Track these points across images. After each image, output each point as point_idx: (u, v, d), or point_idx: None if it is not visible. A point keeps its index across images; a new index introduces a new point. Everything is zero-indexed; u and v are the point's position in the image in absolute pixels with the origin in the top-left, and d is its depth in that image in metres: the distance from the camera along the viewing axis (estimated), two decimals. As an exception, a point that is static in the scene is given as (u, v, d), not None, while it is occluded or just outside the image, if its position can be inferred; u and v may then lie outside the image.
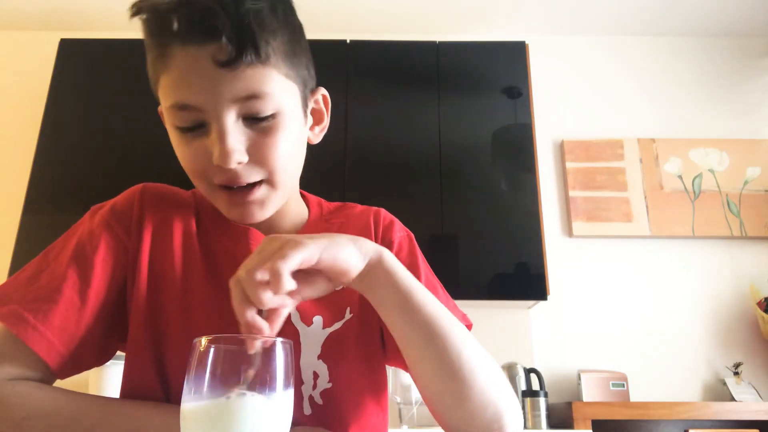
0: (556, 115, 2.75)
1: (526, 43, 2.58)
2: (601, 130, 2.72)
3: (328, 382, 0.66)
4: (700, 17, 2.77)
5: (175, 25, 0.58)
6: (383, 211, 0.79)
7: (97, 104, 2.48)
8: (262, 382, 0.43)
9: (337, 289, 0.57)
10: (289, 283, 0.48)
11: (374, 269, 0.56)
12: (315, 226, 0.76)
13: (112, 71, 2.53)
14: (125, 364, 0.66)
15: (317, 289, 0.54)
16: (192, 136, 0.61)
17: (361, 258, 0.55)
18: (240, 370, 0.43)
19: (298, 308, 0.67)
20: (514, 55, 2.54)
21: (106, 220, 0.67)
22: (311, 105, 0.71)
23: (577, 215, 2.58)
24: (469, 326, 0.70)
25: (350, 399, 0.67)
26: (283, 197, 0.68)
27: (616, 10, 2.74)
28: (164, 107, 0.62)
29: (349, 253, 0.54)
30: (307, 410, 0.65)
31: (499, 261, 2.27)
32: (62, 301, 0.61)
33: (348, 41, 2.55)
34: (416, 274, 0.72)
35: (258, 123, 0.61)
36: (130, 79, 2.48)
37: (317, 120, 0.74)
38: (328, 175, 2.34)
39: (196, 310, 0.65)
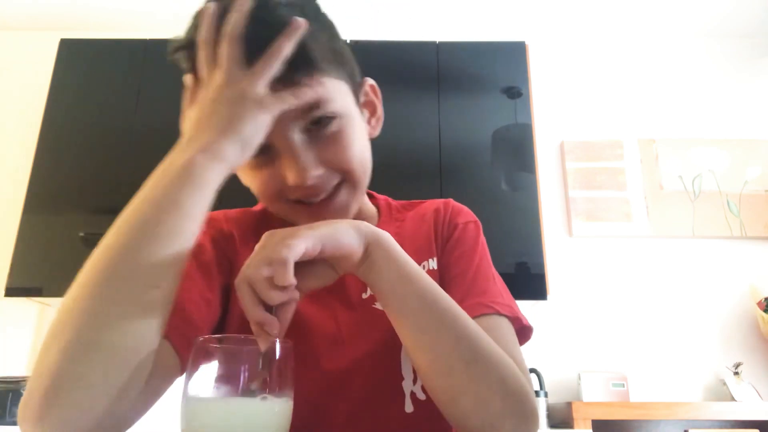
0: (556, 115, 2.75)
1: (526, 43, 2.58)
2: (601, 130, 2.72)
3: None
4: (699, 17, 2.77)
5: None
6: (452, 200, 0.80)
7: (97, 104, 2.48)
8: (263, 384, 0.43)
9: (340, 275, 0.56)
10: (291, 277, 0.46)
11: (373, 250, 0.55)
12: (386, 226, 0.74)
13: (112, 71, 2.53)
14: None
15: (322, 278, 0.54)
16: (259, 163, 0.61)
17: (359, 240, 0.54)
18: (240, 370, 0.43)
19: None
20: (514, 55, 2.54)
21: (210, 234, 0.69)
22: (362, 98, 0.72)
23: (577, 215, 2.58)
24: (528, 329, 0.68)
25: None
26: (362, 194, 0.70)
27: (615, 10, 2.74)
28: None
29: (351, 237, 0.53)
30: (409, 407, 0.63)
31: (498, 261, 2.25)
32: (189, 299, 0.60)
33: (348, 41, 2.55)
34: (471, 257, 0.73)
35: (322, 131, 0.61)
36: (130, 79, 2.49)
37: (371, 111, 0.74)
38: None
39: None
